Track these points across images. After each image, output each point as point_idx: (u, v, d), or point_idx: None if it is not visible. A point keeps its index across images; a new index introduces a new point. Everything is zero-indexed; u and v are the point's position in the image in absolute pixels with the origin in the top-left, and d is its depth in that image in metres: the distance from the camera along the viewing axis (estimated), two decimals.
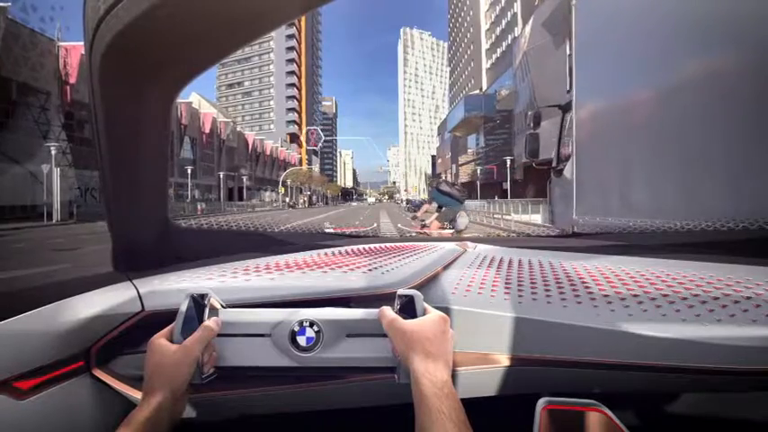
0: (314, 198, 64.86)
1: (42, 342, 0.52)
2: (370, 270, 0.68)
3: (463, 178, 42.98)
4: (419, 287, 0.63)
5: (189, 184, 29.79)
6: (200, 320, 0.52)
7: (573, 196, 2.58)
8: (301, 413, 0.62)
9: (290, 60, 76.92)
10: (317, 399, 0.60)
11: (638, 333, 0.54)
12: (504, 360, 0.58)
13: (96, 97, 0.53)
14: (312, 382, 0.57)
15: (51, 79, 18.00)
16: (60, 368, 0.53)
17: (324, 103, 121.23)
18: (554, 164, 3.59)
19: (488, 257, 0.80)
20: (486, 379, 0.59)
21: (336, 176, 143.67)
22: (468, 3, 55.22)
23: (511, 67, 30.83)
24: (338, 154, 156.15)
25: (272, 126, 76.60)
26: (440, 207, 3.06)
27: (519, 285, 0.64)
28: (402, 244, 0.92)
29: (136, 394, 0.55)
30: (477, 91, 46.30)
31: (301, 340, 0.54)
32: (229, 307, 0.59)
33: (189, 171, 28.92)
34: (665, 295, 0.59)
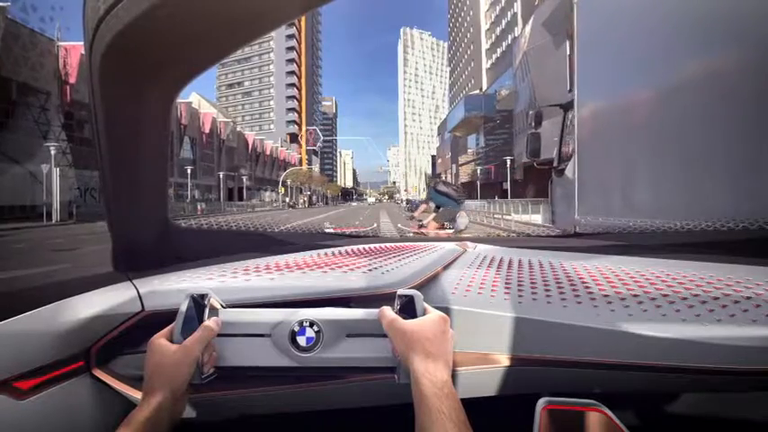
0: (314, 198, 64.87)
1: (42, 342, 0.52)
2: (370, 270, 0.68)
3: (463, 178, 42.99)
4: (419, 287, 0.63)
5: (189, 185, 29.78)
6: (201, 320, 0.52)
7: (575, 196, 2.56)
8: (301, 413, 0.62)
9: (290, 60, 76.93)
10: (317, 399, 0.60)
11: (638, 333, 0.54)
12: (504, 360, 0.58)
13: (96, 97, 0.53)
14: (312, 382, 0.57)
15: (51, 79, 17.99)
16: (60, 368, 0.53)
17: (324, 103, 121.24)
18: (555, 163, 3.57)
19: (488, 257, 0.80)
20: (486, 379, 0.59)
21: (336, 176, 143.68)
22: (468, 3, 55.23)
23: (511, 67, 30.85)
24: (338, 154, 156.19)
25: (272, 126, 76.62)
26: (437, 207, 3.06)
27: (519, 285, 0.64)
28: (402, 244, 0.92)
29: (136, 394, 0.55)
30: (478, 91, 46.31)
31: (301, 340, 0.54)
32: (229, 307, 0.59)
33: (189, 171, 28.91)
34: (665, 295, 0.59)
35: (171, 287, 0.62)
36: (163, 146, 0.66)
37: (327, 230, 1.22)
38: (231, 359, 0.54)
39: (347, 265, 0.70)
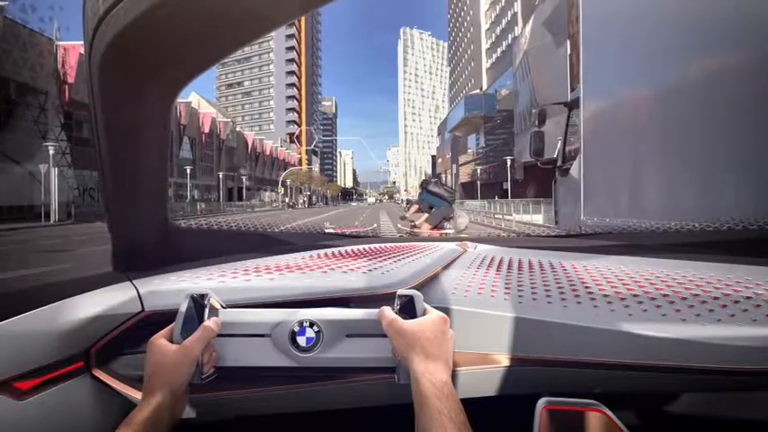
0: (314, 198, 64.87)
1: (42, 342, 0.52)
2: (370, 270, 0.68)
3: (463, 178, 42.99)
4: (419, 287, 0.63)
5: (188, 185, 29.76)
6: (200, 320, 0.52)
7: (580, 196, 2.49)
8: (301, 413, 0.62)
9: (290, 60, 76.96)
10: (317, 399, 0.60)
11: (638, 333, 0.54)
12: (504, 360, 0.58)
13: (96, 97, 0.53)
14: (312, 383, 0.57)
15: (50, 79, 17.97)
16: (60, 368, 0.53)
17: (324, 103, 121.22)
18: (559, 163, 3.52)
19: (488, 257, 0.80)
20: (486, 379, 0.59)
21: (336, 176, 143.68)
22: (468, 2, 55.22)
23: (511, 67, 30.86)
24: (338, 154, 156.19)
25: (271, 126, 76.63)
26: (430, 207, 3.05)
27: (519, 285, 0.64)
28: (402, 244, 0.92)
29: (136, 394, 0.55)
30: (478, 91, 46.30)
31: (301, 340, 0.54)
32: (229, 307, 0.59)
33: (188, 171, 28.89)
34: (665, 295, 0.59)
35: (171, 287, 0.62)
36: (163, 146, 0.66)
37: (327, 230, 1.22)
38: (231, 359, 0.54)
39: (347, 266, 0.70)
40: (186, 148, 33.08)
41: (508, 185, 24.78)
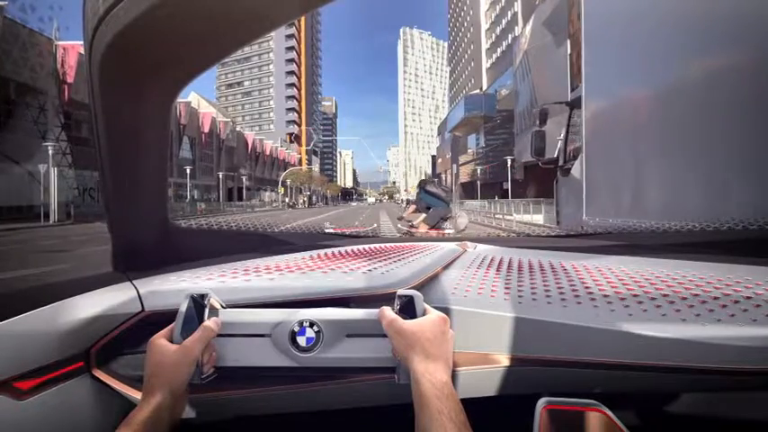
0: (314, 198, 64.86)
1: (42, 342, 0.52)
2: (370, 270, 0.68)
3: (463, 178, 42.99)
4: (419, 287, 0.63)
5: (188, 185, 29.73)
6: (200, 320, 0.52)
7: (582, 197, 2.47)
8: (301, 413, 0.62)
9: (290, 60, 76.96)
10: (317, 399, 0.60)
11: (638, 333, 0.54)
12: (504, 360, 0.58)
13: (96, 97, 0.53)
14: (312, 383, 0.57)
15: (49, 79, 17.96)
16: (60, 368, 0.53)
17: (324, 103, 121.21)
18: (561, 162, 3.49)
19: (488, 257, 0.80)
20: (486, 379, 0.59)
21: (336, 176, 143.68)
22: (468, 2, 55.22)
23: (511, 67, 30.85)
24: (338, 154, 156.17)
25: (271, 126, 76.63)
26: (427, 208, 3.04)
27: (519, 285, 0.64)
28: (402, 244, 0.92)
29: (136, 394, 0.55)
30: (478, 91, 46.29)
31: (301, 340, 0.54)
32: (229, 307, 0.59)
33: (188, 171, 28.86)
34: (665, 295, 0.59)
35: (171, 287, 0.62)
36: (163, 146, 0.66)
37: (327, 230, 1.22)
38: (231, 359, 0.54)
39: (347, 266, 0.70)
40: (186, 147, 33.07)
41: (508, 185, 24.77)
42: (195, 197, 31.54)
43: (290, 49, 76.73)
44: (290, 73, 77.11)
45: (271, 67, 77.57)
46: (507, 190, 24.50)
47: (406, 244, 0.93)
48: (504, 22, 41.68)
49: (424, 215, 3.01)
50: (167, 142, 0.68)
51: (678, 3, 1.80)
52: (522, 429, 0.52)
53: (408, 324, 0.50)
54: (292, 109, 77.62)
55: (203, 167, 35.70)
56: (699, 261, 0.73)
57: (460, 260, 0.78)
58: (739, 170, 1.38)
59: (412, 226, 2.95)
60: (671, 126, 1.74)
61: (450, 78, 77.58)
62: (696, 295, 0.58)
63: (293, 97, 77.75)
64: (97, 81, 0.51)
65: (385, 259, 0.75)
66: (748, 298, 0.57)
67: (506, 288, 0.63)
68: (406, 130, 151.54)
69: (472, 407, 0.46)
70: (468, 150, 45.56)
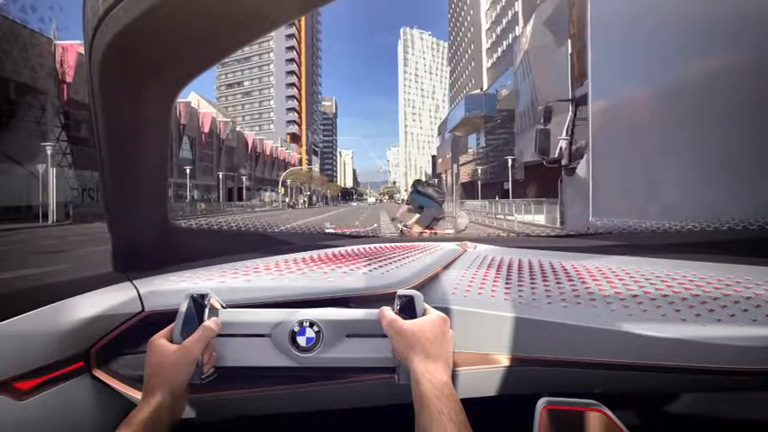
0: (314, 198, 64.87)
1: (42, 342, 0.52)
2: (370, 270, 0.68)
3: (464, 178, 42.99)
4: (419, 287, 0.63)
5: (188, 185, 29.72)
6: (200, 320, 0.52)
7: (589, 197, 2.39)
8: (301, 413, 0.62)
9: (290, 60, 76.96)
10: (317, 399, 0.60)
11: (637, 333, 0.54)
12: (504, 360, 0.58)
13: (96, 97, 0.53)
14: (312, 383, 0.57)
15: (49, 79, 17.95)
16: (60, 368, 0.53)
17: (324, 103, 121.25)
18: (565, 162, 3.40)
19: (488, 257, 0.80)
20: (486, 379, 0.59)
21: (336, 176, 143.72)
22: (468, 2, 55.20)
23: (512, 67, 30.84)
24: (338, 154, 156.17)
25: (271, 126, 76.65)
26: (421, 208, 3.03)
27: (519, 285, 0.64)
28: (402, 244, 0.92)
29: (136, 394, 0.55)
30: (478, 90, 46.28)
31: (301, 340, 0.54)
32: (229, 307, 0.59)
33: (187, 171, 28.85)
34: (665, 295, 0.59)
35: (171, 287, 0.62)
36: (163, 146, 0.66)
37: (327, 230, 1.22)
38: (231, 359, 0.54)
39: (347, 266, 0.70)
40: (186, 147, 33.07)
41: (509, 185, 24.76)
42: (195, 197, 31.54)
43: (290, 48, 76.74)
44: (290, 73, 77.12)
45: (271, 67, 77.59)
46: (508, 190, 24.49)
47: (406, 244, 0.93)
48: (504, 21, 41.68)
49: (417, 216, 3.00)
50: (167, 142, 0.68)
51: None
52: (522, 429, 0.52)
53: (408, 324, 0.50)
54: (292, 109, 77.63)
55: (203, 167, 35.70)
56: (699, 261, 0.73)
57: (460, 260, 0.78)
58: (751, 169, 1.33)
59: (405, 227, 2.93)
60: (684, 124, 1.67)
61: (450, 78, 77.57)
62: (696, 295, 0.58)
63: (293, 97, 77.76)
64: (97, 81, 0.51)
65: (385, 259, 0.75)
66: (748, 298, 0.57)
67: (506, 288, 0.63)
68: (406, 130, 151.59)
69: (472, 407, 0.46)
70: (469, 150, 45.57)
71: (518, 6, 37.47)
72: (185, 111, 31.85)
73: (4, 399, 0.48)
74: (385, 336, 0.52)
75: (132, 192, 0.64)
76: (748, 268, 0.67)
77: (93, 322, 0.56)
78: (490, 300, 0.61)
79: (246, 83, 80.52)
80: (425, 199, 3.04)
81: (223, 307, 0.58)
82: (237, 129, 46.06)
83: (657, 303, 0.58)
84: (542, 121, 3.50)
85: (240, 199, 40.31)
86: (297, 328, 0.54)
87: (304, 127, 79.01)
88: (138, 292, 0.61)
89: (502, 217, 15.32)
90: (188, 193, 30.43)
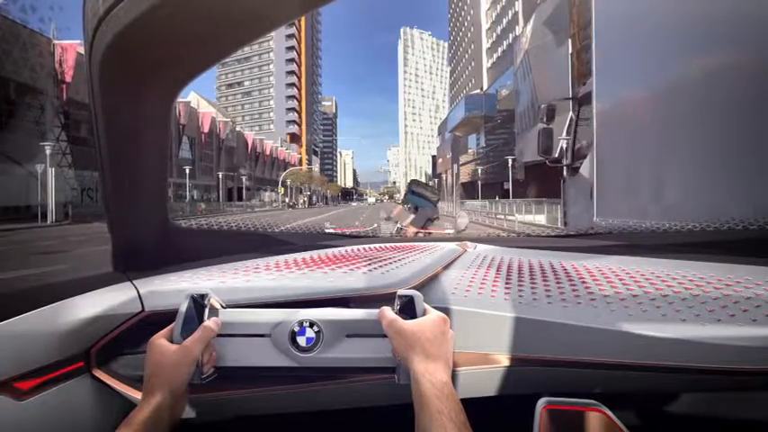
0: (314, 198, 64.85)
1: (42, 342, 0.52)
2: (370, 270, 0.68)
3: (464, 178, 42.98)
4: (419, 287, 0.63)
5: (187, 185, 29.69)
6: (200, 321, 0.52)
7: (593, 197, 2.36)
8: (301, 413, 0.62)
9: (290, 60, 76.92)
10: (317, 399, 0.60)
11: (638, 333, 0.54)
12: (504, 360, 0.58)
13: (96, 98, 0.53)
14: (312, 383, 0.57)
15: (48, 79, 17.92)
16: (60, 368, 0.53)
17: (324, 103, 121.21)
18: (569, 161, 3.36)
19: (488, 257, 0.80)
20: (486, 379, 0.59)
21: (336, 176, 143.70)
22: (468, 2, 55.19)
23: (512, 67, 30.83)
24: (338, 154, 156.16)
25: (271, 126, 76.62)
26: (416, 208, 3.02)
27: (519, 285, 0.64)
28: (402, 244, 0.92)
29: (136, 394, 0.55)
30: (478, 90, 46.27)
31: (301, 340, 0.54)
32: (229, 307, 0.59)
33: (187, 171, 28.82)
34: (665, 295, 0.59)
35: (171, 287, 0.62)
36: (163, 146, 0.66)
37: (327, 230, 1.22)
38: (231, 359, 0.54)
39: (347, 266, 0.70)
40: (186, 147, 33.04)
41: (509, 185, 24.75)
42: (195, 197, 31.52)
43: (290, 48, 76.71)
44: (290, 73, 77.09)
45: (271, 66, 77.56)
46: (508, 190, 24.48)
47: (406, 244, 0.93)
48: (504, 21, 41.66)
49: (412, 216, 2.98)
50: (167, 142, 0.68)
51: None
52: (522, 429, 0.52)
53: (408, 324, 0.50)
54: (292, 109, 77.60)
55: (203, 167, 35.68)
56: (699, 261, 0.73)
57: (461, 260, 0.78)
58: (758, 169, 1.30)
59: (400, 227, 2.92)
60: (692, 122, 1.63)
61: (450, 78, 77.53)
62: (696, 295, 0.58)
63: (293, 97, 77.73)
64: (97, 81, 0.51)
65: (385, 259, 0.75)
66: (748, 298, 0.57)
67: (506, 288, 0.63)
68: (406, 130, 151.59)
69: (472, 407, 0.46)
70: (469, 150, 45.56)
71: (518, 6, 37.45)
72: (185, 111, 31.82)
73: (4, 399, 0.48)
74: (385, 336, 0.52)
75: (132, 192, 0.64)
76: (748, 268, 0.67)
77: (93, 322, 0.56)
78: (490, 300, 0.61)
79: (246, 83, 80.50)
80: (420, 199, 3.03)
81: (223, 307, 0.58)
82: (237, 129, 46.05)
83: (657, 303, 0.58)
84: (545, 119, 3.43)
85: (240, 199, 40.30)
86: (297, 328, 0.54)
87: (304, 127, 79.01)
88: (138, 292, 0.61)
89: (502, 217, 15.31)
90: (188, 193, 30.41)
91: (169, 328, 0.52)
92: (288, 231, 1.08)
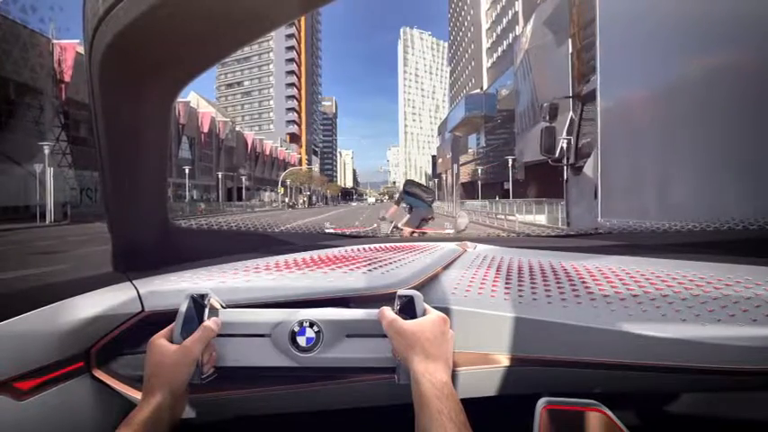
0: (314, 198, 64.83)
1: (42, 342, 0.52)
2: (370, 270, 0.68)
3: (464, 178, 42.99)
4: (419, 287, 0.63)
5: (187, 185, 29.67)
6: (200, 321, 0.52)
7: (597, 197, 2.33)
8: (301, 413, 0.62)
9: (290, 60, 76.92)
10: (317, 399, 0.60)
11: (637, 333, 0.54)
12: (504, 360, 0.58)
13: (96, 97, 0.53)
14: (312, 383, 0.57)
15: (48, 79, 17.90)
16: (60, 368, 0.53)
17: (324, 103, 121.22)
18: (572, 160, 3.33)
19: (488, 257, 0.80)
20: (486, 379, 0.59)
21: (336, 176, 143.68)
22: (468, 2, 55.18)
23: (512, 67, 30.83)
24: (338, 154, 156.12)
25: (271, 126, 76.62)
26: (411, 208, 3.02)
27: (519, 285, 0.64)
28: (402, 244, 0.92)
29: (136, 394, 0.55)
30: (478, 90, 46.27)
31: (301, 340, 0.54)
32: (229, 307, 0.59)
33: (187, 171, 28.79)
34: (665, 295, 0.59)
35: (171, 287, 0.62)
36: (163, 146, 0.66)
37: (327, 230, 1.22)
38: (231, 359, 0.54)
39: (347, 266, 0.70)
40: (185, 147, 33.02)
41: (509, 185, 24.74)
42: (195, 197, 31.52)
43: (290, 48, 76.70)
44: (290, 73, 77.08)
45: (271, 67, 77.55)
46: (508, 190, 24.47)
47: (406, 244, 0.93)
48: (504, 21, 41.66)
49: (408, 216, 2.98)
50: (167, 142, 0.68)
51: None
52: (522, 429, 0.52)
53: (408, 324, 0.50)
54: (292, 109, 77.59)
55: (203, 167, 35.66)
56: (699, 261, 0.73)
57: (460, 260, 0.78)
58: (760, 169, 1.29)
59: (396, 227, 2.91)
60: (699, 121, 1.60)
61: (450, 78, 77.55)
62: (696, 295, 0.58)
63: (293, 97, 77.73)
64: (97, 81, 0.51)
65: (385, 259, 0.75)
66: (748, 298, 0.57)
67: (506, 288, 0.63)
68: (406, 130, 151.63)
69: (472, 407, 0.46)
70: (469, 150, 45.60)
71: (518, 6, 37.44)
72: (185, 111, 31.78)
73: (4, 399, 0.48)
74: (385, 336, 0.52)
75: (132, 192, 0.64)
76: (748, 268, 0.67)
77: (93, 322, 0.56)
78: (490, 300, 0.61)
79: (246, 83, 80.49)
80: (414, 199, 3.03)
81: (223, 307, 0.58)
82: (237, 129, 46.05)
83: (657, 303, 0.58)
84: (548, 118, 3.38)
85: (240, 199, 40.28)
86: (297, 328, 0.54)
87: (304, 127, 79.00)
88: (138, 292, 0.61)
89: (502, 217, 15.31)
90: (187, 193, 30.39)
91: (169, 328, 0.52)
92: (288, 231, 1.08)
